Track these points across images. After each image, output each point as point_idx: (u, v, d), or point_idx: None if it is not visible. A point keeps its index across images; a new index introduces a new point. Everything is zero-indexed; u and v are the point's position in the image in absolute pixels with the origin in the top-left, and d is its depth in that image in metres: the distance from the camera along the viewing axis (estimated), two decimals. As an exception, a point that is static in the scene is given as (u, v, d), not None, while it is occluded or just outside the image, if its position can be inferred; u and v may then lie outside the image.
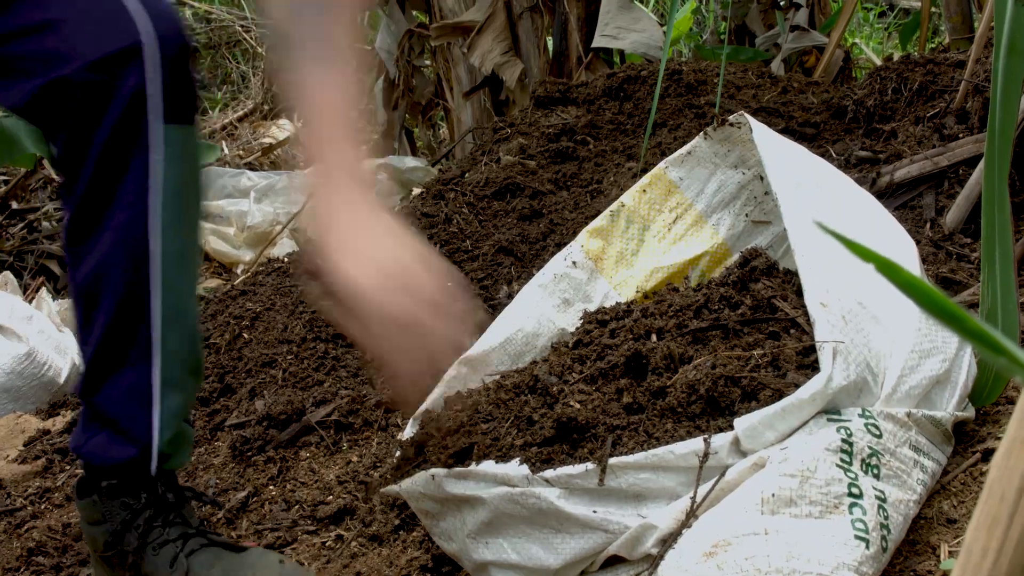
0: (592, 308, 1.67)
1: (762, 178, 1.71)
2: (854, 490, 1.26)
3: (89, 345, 1.54)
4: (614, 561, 1.36)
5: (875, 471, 1.30)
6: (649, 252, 1.74)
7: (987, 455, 1.45)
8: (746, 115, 1.66)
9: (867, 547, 1.23)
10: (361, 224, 1.29)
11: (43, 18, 1.45)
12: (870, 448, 1.30)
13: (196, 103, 1.53)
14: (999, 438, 1.46)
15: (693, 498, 1.28)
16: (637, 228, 1.74)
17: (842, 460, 1.27)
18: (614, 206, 1.75)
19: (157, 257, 1.48)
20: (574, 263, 1.72)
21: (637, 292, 1.73)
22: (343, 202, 1.31)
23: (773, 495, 1.24)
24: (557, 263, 1.72)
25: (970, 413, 1.49)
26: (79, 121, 1.44)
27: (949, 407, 1.43)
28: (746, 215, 1.75)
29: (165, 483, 1.61)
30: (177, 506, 1.62)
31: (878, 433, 1.31)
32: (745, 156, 1.72)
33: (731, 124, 1.69)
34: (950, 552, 1.32)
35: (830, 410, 1.30)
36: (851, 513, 1.25)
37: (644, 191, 1.75)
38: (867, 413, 1.31)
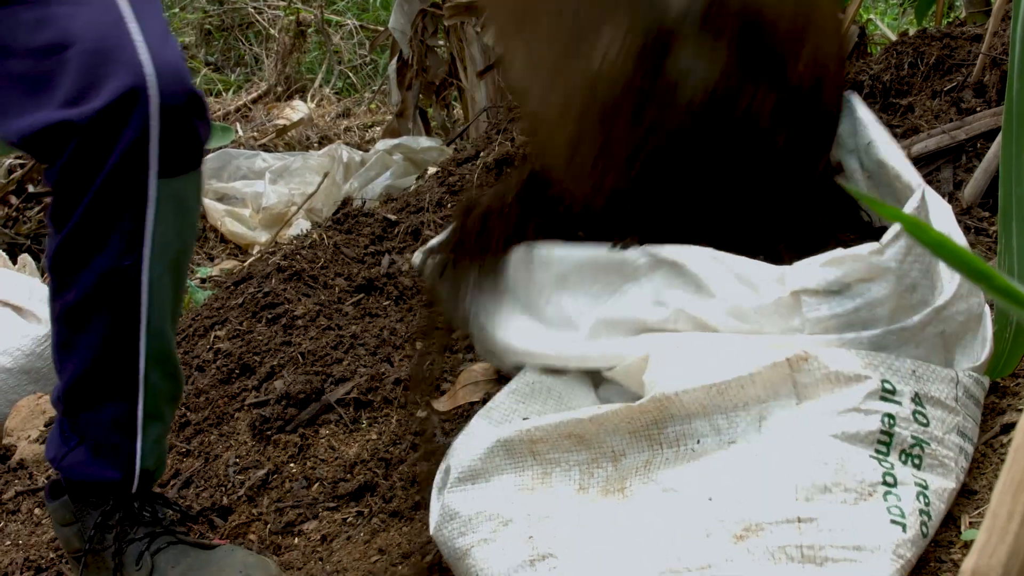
0: None
1: None
2: (888, 479, 1.26)
3: (68, 368, 1.55)
4: None
5: (916, 461, 1.29)
6: None
7: (1006, 428, 1.45)
8: None
9: (904, 531, 1.23)
10: None
11: (50, 39, 1.41)
12: (914, 438, 1.29)
13: (199, 151, 1.49)
14: (1019, 410, 1.46)
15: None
16: None
17: (877, 451, 1.27)
18: None
19: (145, 307, 1.49)
20: None
21: None
22: None
23: (810, 483, 1.24)
24: None
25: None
26: (78, 162, 1.41)
27: (982, 357, 1.44)
28: None
29: (141, 495, 1.63)
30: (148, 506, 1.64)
31: (925, 421, 1.31)
32: None
33: None
34: (971, 523, 1.32)
35: (886, 383, 1.30)
36: (886, 500, 1.24)
37: None
38: (918, 398, 1.31)
